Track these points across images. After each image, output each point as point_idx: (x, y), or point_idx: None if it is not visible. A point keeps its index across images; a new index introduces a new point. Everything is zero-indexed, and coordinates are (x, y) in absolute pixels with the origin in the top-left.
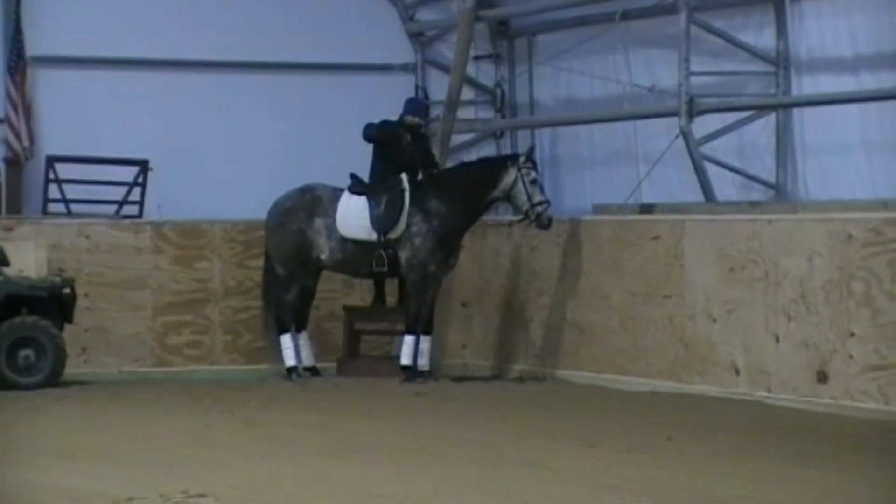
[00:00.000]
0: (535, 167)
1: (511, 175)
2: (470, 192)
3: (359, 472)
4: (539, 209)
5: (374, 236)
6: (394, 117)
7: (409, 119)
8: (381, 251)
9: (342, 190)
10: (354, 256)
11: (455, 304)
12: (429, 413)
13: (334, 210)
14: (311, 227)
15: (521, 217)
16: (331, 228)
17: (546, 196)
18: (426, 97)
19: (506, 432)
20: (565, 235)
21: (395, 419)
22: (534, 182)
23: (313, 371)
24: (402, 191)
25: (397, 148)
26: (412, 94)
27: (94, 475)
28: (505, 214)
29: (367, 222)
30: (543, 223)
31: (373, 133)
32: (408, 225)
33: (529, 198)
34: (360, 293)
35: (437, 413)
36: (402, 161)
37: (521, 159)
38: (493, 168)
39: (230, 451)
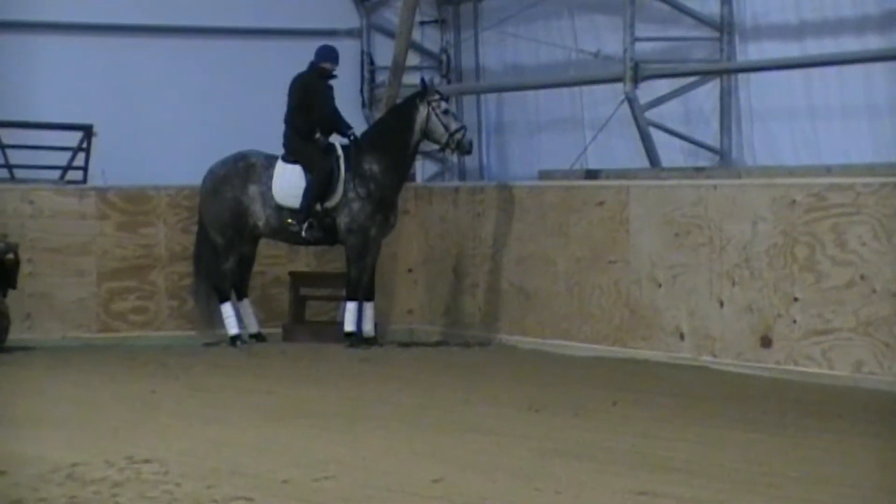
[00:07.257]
0: (443, 98)
1: (423, 112)
2: (395, 144)
3: (305, 437)
4: (458, 136)
5: None
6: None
7: (325, 65)
8: (316, 220)
9: (276, 157)
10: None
11: (401, 269)
12: (375, 378)
13: (269, 177)
14: (246, 194)
15: (441, 148)
16: (266, 196)
17: (462, 122)
18: (371, 63)
19: (452, 398)
20: (511, 201)
21: (341, 385)
22: (446, 112)
23: (258, 337)
24: (337, 158)
25: (318, 102)
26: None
27: (38, 441)
28: (451, 180)
29: (302, 191)
30: (465, 148)
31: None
32: (345, 191)
33: (446, 128)
34: (306, 259)
35: (384, 378)
36: (322, 115)
37: (429, 94)
38: (405, 112)
39: (175, 416)
